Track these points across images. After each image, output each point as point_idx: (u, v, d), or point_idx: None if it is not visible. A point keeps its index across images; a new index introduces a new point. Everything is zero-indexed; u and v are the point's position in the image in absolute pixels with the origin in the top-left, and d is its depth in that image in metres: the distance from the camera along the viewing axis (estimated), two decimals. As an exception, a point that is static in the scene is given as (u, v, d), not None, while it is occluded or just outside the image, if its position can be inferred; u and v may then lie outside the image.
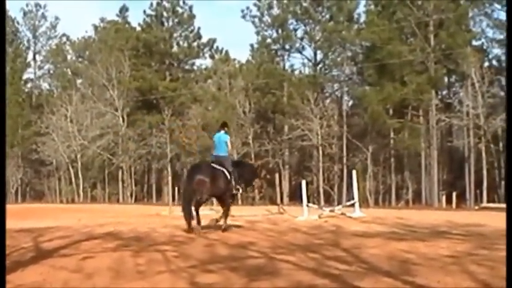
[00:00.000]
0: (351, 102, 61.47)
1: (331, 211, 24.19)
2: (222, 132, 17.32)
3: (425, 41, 49.39)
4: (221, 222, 16.77)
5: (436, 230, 16.79)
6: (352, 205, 23.75)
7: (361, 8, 57.50)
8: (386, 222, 19.56)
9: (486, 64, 50.23)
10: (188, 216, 16.15)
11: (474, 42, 51.64)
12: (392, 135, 53.20)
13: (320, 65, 59.90)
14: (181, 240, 14.02)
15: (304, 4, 57.39)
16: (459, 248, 11.69)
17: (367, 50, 54.43)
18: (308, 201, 24.15)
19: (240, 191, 17.37)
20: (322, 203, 47.58)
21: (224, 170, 16.49)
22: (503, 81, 52.46)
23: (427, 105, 50.50)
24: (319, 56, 59.40)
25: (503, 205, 38.86)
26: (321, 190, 52.38)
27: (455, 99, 52.92)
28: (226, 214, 16.99)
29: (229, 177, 16.50)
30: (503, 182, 50.42)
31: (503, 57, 52.56)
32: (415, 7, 49.53)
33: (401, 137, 52.34)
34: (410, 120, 52.38)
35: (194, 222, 16.10)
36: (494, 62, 53.13)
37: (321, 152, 52.74)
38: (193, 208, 16.20)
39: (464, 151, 50.40)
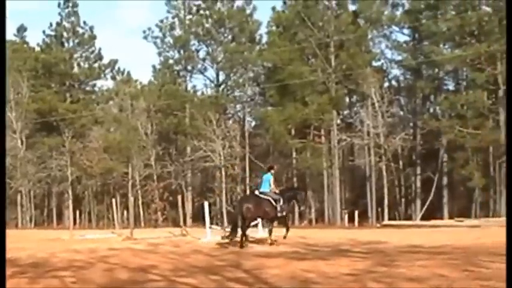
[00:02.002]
0: (253, 123, 61.98)
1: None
2: (269, 173, 20.55)
3: (326, 61, 50.19)
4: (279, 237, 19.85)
5: (337, 248, 16.92)
6: (255, 226, 23.70)
7: (263, 29, 57.91)
8: (288, 242, 19.58)
9: (386, 84, 51.57)
10: (236, 235, 19.28)
11: (374, 63, 53.07)
12: (294, 155, 53.60)
13: (222, 86, 60.00)
14: (80, 265, 13.83)
15: (207, 25, 57.37)
16: (359, 266, 11.75)
17: (269, 70, 54.95)
18: (211, 223, 24.13)
19: (285, 213, 20.10)
20: (226, 224, 47.36)
21: (269, 198, 19.64)
22: (403, 100, 54.10)
23: (328, 125, 51.22)
24: (222, 76, 59.54)
25: (404, 222, 39.92)
26: (224, 211, 52.16)
27: (356, 118, 53.92)
28: (287, 230, 19.80)
29: (274, 203, 19.52)
30: (403, 200, 51.70)
31: (401, 78, 54.29)
32: (316, 28, 50.36)
33: (303, 156, 52.82)
34: (312, 140, 52.94)
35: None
36: (393, 82, 54.76)
37: (223, 172, 52.62)
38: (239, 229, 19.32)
39: (366, 170, 51.28)
